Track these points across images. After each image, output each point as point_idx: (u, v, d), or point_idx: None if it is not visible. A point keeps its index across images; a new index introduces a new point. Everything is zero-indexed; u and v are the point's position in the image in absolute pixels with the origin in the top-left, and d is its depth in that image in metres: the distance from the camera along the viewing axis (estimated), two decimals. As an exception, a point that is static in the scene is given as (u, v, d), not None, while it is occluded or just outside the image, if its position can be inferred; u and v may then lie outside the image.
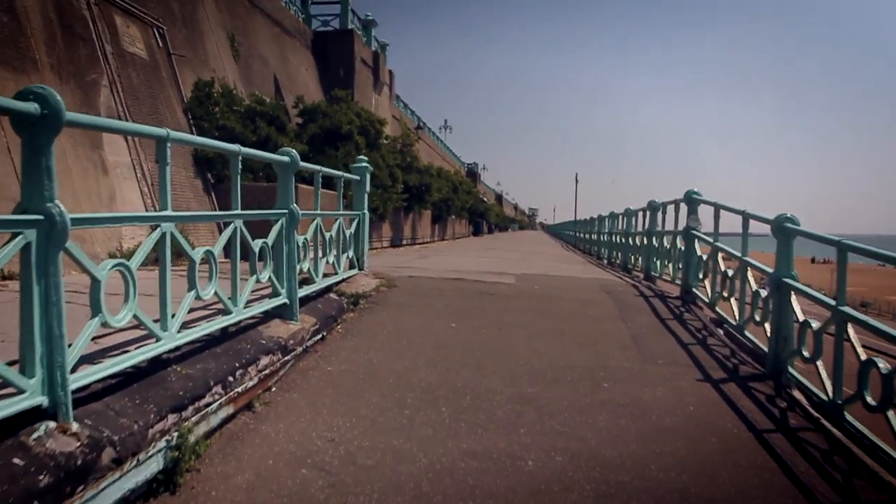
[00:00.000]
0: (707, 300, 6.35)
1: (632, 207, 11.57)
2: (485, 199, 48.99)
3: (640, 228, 10.85)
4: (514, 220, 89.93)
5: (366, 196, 7.40)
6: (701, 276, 6.72)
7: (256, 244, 4.21)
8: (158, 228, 2.96)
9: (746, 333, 5.27)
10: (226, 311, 3.81)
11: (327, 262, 6.12)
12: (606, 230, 14.45)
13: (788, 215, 4.58)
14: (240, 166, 3.99)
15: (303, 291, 5.22)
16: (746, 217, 5.45)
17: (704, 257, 6.64)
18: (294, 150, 4.76)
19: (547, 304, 6.32)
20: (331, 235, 6.16)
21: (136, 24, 9.49)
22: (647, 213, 9.64)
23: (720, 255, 6.19)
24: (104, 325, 2.50)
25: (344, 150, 13.31)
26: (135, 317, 2.70)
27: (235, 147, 3.96)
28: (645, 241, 9.61)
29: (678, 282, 7.78)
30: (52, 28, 7.59)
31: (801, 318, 4.26)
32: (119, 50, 8.83)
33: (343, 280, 6.71)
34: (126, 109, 8.57)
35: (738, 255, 5.53)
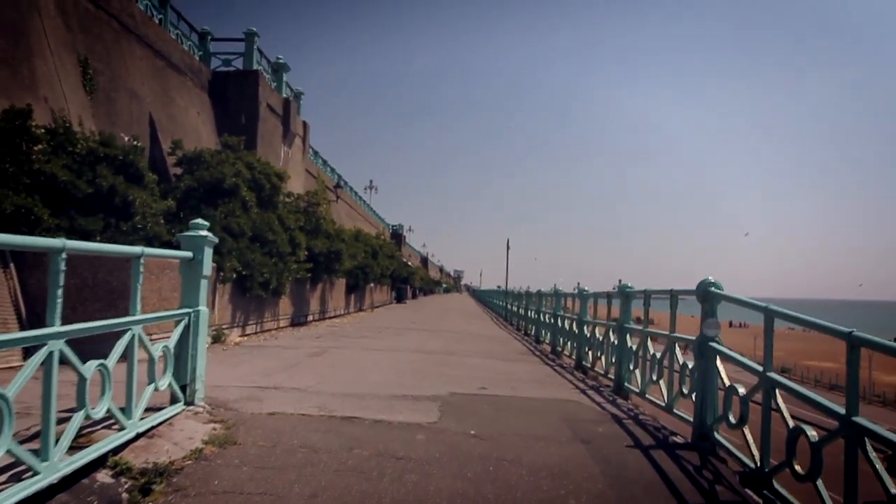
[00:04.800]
0: (753, 466, 3.86)
1: (587, 289, 9.23)
2: (409, 263, 46.50)
3: (597, 315, 8.51)
4: (440, 283, 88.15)
5: (203, 283, 4.60)
6: (733, 418, 4.23)
7: None
8: None
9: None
10: None
11: (87, 418, 3.25)
12: (551, 311, 12.03)
13: None
14: None
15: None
16: (857, 344, 3.02)
17: (741, 390, 4.17)
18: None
19: (492, 482, 3.61)
20: (101, 365, 3.30)
21: None
22: (618, 300, 7.22)
23: (779, 392, 3.76)
24: None
25: (225, 210, 10.42)
26: None
27: None
28: (614, 340, 7.15)
29: (678, 412, 5.30)
30: None
31: None
32: None
33: (140, 436, 3.82)
34: None
35: (836, 408, 3.10)
